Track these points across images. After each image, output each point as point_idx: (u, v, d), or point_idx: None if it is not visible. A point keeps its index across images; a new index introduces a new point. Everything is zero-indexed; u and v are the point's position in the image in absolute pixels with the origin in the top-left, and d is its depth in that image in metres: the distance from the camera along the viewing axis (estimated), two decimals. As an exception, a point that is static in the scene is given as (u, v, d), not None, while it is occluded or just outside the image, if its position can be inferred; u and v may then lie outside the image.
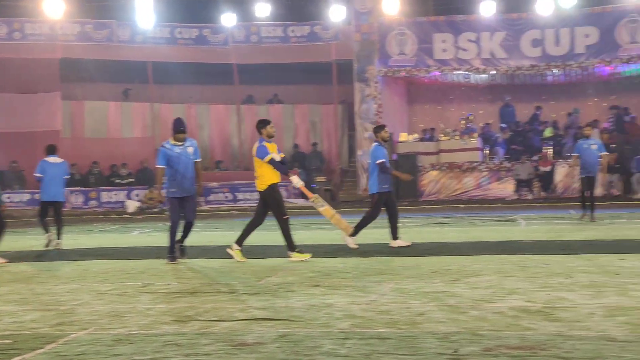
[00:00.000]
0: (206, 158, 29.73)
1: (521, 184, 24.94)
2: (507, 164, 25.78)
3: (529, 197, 24.92)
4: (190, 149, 11.26)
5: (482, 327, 6.06)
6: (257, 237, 15.12)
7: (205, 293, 8.24)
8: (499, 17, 27.29)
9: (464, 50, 27.30)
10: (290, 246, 11.25)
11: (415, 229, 15.86)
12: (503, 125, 27.50)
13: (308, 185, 21.08)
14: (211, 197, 26.82)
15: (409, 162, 25.80)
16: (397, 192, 25.40)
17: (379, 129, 13.02)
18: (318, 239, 14.44)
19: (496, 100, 28.94)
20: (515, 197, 24.95)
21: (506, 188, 25.47)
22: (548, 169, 24.96)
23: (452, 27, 27.55)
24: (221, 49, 28.33)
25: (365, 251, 11.93)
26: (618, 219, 16.96)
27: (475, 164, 25.96)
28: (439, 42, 27.55)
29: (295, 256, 11.13)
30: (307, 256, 11.14)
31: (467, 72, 27.57)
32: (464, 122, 27.18)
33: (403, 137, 27.18)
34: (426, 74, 27.73)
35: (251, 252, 12.22)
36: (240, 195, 26.59)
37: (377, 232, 14.51)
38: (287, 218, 11.27)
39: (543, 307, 6.86)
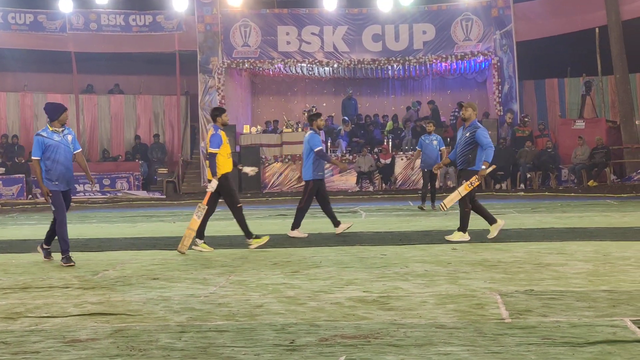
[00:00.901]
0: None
1: (362, 176, 25.46)
2: (349, 157, 26.25)
3: (370, 189, 25.49)
4: (70, 137, 10.06)
5: (319, 317, 6.14)
6: (95, 230, 14.76)
7: (37, 288, 7.94)
8: (341, 12, 27.72)
9: (308, 43, 27.57)
10: (247, 234, 11.15)
11: (257, 221, 15.88)
12: (345, 118, 28.00)
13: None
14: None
15: (252, 154, 25.83)
16: (239, 184, 25.50)
17: (314, 116, 12.97)
18: (159, 231, 14.22)
19: (339, 93, 29.41)
20: (357, 189, 25.44)
21: (348, 180, 25.92)
22: (388, 161, 25.60)
23: (295, 20, 27.77)
24: (58, 36, 27.29)
25: (207, 243, 11.81)
26: (452, 210, 17.58)
27: (317, 156, 26.24)
28: (282, 34, 27.71)
29: (255, 242, 11.06)
30: (265, 239, 11.14)
31: (310, 65, 27.86)
32: (307, 114, 27.45)
33: (246, 129, 27.18)
34: (270, 66, 27.82)
35: (88, 245, 11.91)
36: (78, 187, 25.75)
37: (219, 225, 14.44)
38: (241, 206, 11.15)
39: (379, 296, 7.03)
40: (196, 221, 10.93)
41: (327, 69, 28.14)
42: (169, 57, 27.95)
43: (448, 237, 11.24)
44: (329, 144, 26.68)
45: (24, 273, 9.13)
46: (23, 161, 26.17)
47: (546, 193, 22.83)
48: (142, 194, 25.84)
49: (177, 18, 27.40)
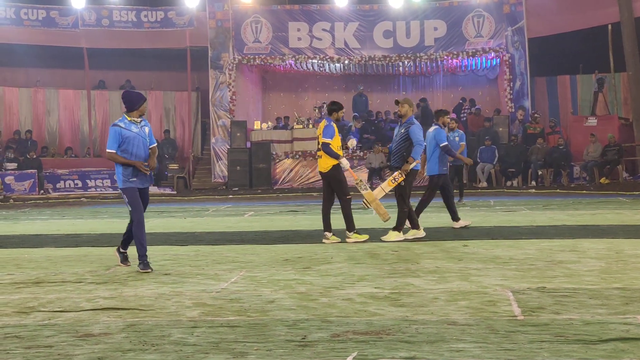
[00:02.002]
0: (55, 144, 28.79)
1: (373, 173, 25.42)
2: (359, 153, 26.22)
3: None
4: (147, 130, 9.10)
5: (331, 313, 6.14)
6: (107, 225, 14.80)
7: (50, 283, 7.97)
8: (352, 8, 27.69)
9: (319, 39, 27.55)
10: (349, 227, 11.14)
11: (268, 217, 15.91)
12: (356, 114, 27.96)
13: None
14: (60, 184, 25.93)
15: (262, 150, 25.85)
16: (250, 180, 25.54)
17: (441, 113, 12.96)
18: (170, 226, 14.24)
19: (349, 90, 29.36)
20: (368, 185, 25.36)
21: (359, 176, 25.90)
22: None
23: (306, 16, 27.75)
24: (70, 32, 27.33)
25: (217, 239, 11.86)
26: (463, 206, 17.57)
27: (328, 152, 26.19)
28: (294, 30, 27.69)
29: (354, 237, 11.06)
30: (364, 237, 11.09)
31: (321, 61, 27.83)
32: (318, 110, 27.43)
33: (257, 125, 27.17)
34: (281, 62, 27.79)
35: (100, 240, 11.94)
36: (90, 183, 25.86)
37: (230, 220, 14.46)
38: (350, 198, 11.16)
39: (390, 293, 7.03)
40: (369, 194, 11.24)
41: (338, 65, 28.10)
42: (180, 53, 27.97)
43: (383, 238, 11.20)
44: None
45: (36, 268, 9.16)
46: (35, 156, 26.26)
47: (558, 190, 22.75)
48: (153, 189, 25.86)
49: (189, 14, 27.42)
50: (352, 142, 12.56)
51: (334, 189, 11.26)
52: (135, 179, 8.86)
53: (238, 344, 5.22)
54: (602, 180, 23.62)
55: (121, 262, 9.23)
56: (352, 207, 11.24)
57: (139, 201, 8.88)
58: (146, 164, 8.86)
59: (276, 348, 5.11)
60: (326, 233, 11.19)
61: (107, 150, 8.91)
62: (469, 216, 14.35)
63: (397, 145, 11.29)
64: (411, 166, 11.09)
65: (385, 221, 11.43)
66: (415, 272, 8.21)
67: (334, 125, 11.29)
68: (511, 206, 17.13)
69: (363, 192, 11.41)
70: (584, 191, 22.13)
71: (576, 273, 7.87)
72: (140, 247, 8.80)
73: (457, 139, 17.62)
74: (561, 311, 6.05)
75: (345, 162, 11.21)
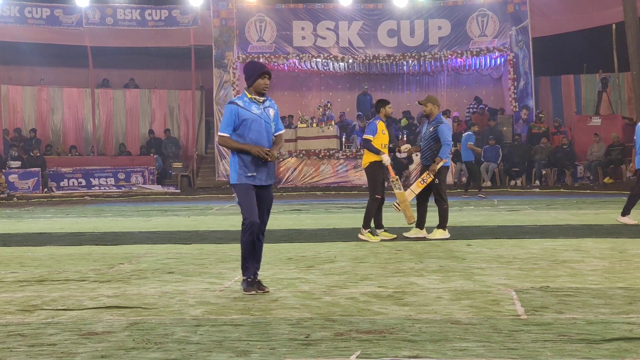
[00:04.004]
0: (59, 143, 28.83)
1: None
2: (361, 152, 26.18)
3: (385, 184, 25.40)
4: (272, 112, 7.38)
5: (334, 312, 6.14)
6: (111, 224, 14.82)
7: (53, 281, 7.97)
8: (357, 7, 27.71)
9: (323, 38, 27.56)
10: (366, 224, 11.15)
11: (271, 216, 15.87)
12: (360, 113, 27.96)
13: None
14: (63, 183, 25.97)
15: (266, 149, 25.80)
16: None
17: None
18: (173, 225, 14.26)
19: (354, 89, 29.35)
20: (371, 184, 25.35)
21: (362, 176, 25.84)
22: (404, 155, 25.53)
23: (311, 15, 27.77)
24: (74, 30, 27.37)
25: (221, 238, 11.87)
26: (467, 205, 17.58)
27: (332, 151, 26.26)
28: (298, 29, 27.72)
29: (366, 236, 11.10)
30: (376, 239, 11.07)
31: (325, 60, 27.83)
32: (322, 109, 27.45)
33: (261, 124, 27.14)
34: (285, 61, 27.81)
35: (103, 239, 11.95)
36: (94, 181, 25.90)
37: (234, 219, 14.46)
38: (379, 198, 11.22)
39: (394, 292, 7.03)
40: (401, 194, 11.29)
41: (342, 64, 28.09)
42: (185, 51, 28.00)
43: (428, 235, 11.23)
44: (343, 139, 26.66)
45: (40, 266, 9.17)
46: (39, 154, 26.29)
47: (561, 190, 22.74)
48: (157, 188, 25.92)
49: (193, 13, 27.45)
50: (406, 147, 12.49)
51: (368, 185, 11.28)
52: (254, 174, 7.05)
53: (241, 343, 5.22)
54: (606, 179, 23.61)
55: (249, 290, 7.04)
56: (382, 207, 11.26)
57: (254, 203, 7.04)
58: (267, 150, 7.06)
59: (279, 346, 5.11)
60: (377, 230, 11.26)
61: (219, 134, 7.17)
62: (473, 215, 14.36)
63: (427, 144, 11.36)
64: (439, 165, 11.11)
65: (409, 223, 11.48)
66: (419, 271, 8.20)
67: (379, 122, 11.21)
68: (515, 205, 17.12)
69: (396, 192, 11.45)
70: (588, 191, 22.12)
71: (579, 272, 7.87)
72: (245, 260, 7.05)
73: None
74: (564, 310, 6.04)
75: (386, 158, 11.15)
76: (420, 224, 11.35)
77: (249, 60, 7.61)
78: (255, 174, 7.04)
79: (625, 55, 24.99)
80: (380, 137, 11.19)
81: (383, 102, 11.50)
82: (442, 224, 11.21)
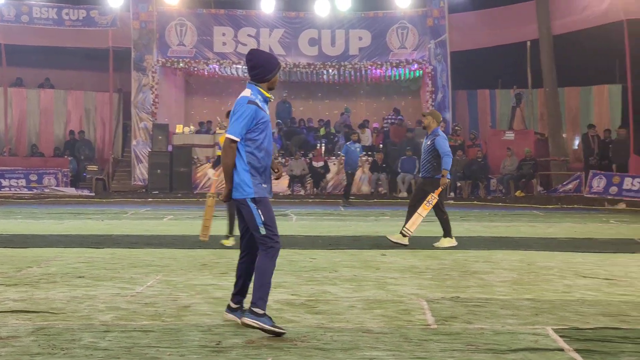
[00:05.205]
0: (-32, 141, 27.99)
1: (294, 180, 25.46)
2: (281, 160, 26.22)
3: (302, 192, 25.50)
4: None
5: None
6: (21, 226, 14.45)
7: (-43, 285, 7.73)
8: (278, 15, 27.70)
9: (244, 44, 27.43)
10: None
11: (187, 221, 15.76)
12: (279, 121, 27.96)
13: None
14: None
15: (183, 154, 25.61)
16: (170, 184, 25.27)
17: None
18: (86, 229, 13.98)
19: (273, 96, 29.28)
20: (289, 192, 25.42)
21: (280, 183, 25.87)
22: (321, 164, 25.65)
23: (232, 21, 27.65)
24: (-12, 27, 26.65)
25: (135, 242, 11.69)
26: (382, 216, 17.75)
27: (250, 158, 26.12)
28: (219, 35, 27.56)
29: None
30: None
31: (245, 67, 27.68)
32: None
33: (179, 128, 26.90)
34: (205, 66, 27.61)
35: (12, 241, 11.64)
36: (4, 182, 25.17)
37: (149, 224, 14.29)
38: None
39: (307, 300, 7.05)
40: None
41: (262, 71, 27.98)
42: (103, 53, 27.50)
43: (436, 244, 11.50)
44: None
45: (-56, 268, 8.88)
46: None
47: (475, 202, 23.16)
48: (71, 191, 25.37)
49: (112, 14, 26.95)
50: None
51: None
52: (266, 185, 6.02)
53: (151, 349, 5.16)
54: (518, 193, 24.14)
55: (275, 327, 5.70)
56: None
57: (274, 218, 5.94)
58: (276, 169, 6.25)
59: (189, 353, 5.07)
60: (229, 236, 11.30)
61: (231, 136, 5.92)
62: (389, 225, 14.50)
63: (425, 157, 11.62)
64: (445, 179, 11.42)
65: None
66: (333, 280, 8.24)
67: None
68: (430, 216, 17.32)
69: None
70: (500, 203, 22.59)
71: (489, 283, 8.02)
72: (266, 287, 5.80)
73: (357, 149, 21.57)
74: (473, 321, 6.16)
75: (210, 172, 11.37)
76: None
77: (259, 50, 6.70)
78: (266, 185, 6.01)
79: (539, 72, 25.66)
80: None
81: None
82: (447, 233, 11.51)
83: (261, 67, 6.15)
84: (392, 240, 11.45)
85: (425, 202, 11.37)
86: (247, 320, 5.63)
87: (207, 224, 11.03)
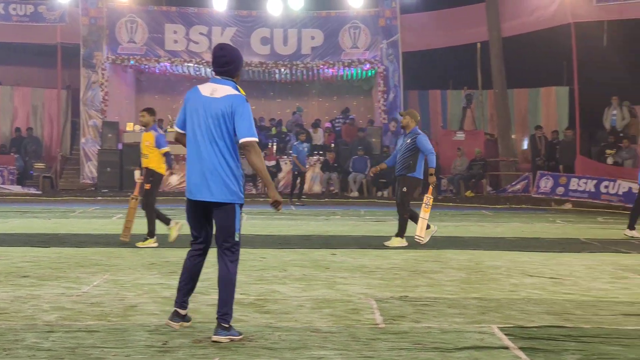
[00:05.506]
0: None
1: (246, 179, 25.36)
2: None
3: (254, 191, 25.42)
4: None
5: (194, 319, 6.07)
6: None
7: None
8: (231, 13, 27.57)
9: (195, 43, 27.29)
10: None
11: (136, 220, 15.56)
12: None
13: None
14: None
15: (134, 152, 25.23)
16: (120, 183, 25.01)
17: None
18: (32, 227, 13.76)
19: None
20: (240, 191, 25.29)
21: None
22: (272, 163, 25.60)
23: (183, 19, 27.45)
24: None
25: (82, 242, 11.54)
26: (333, 215, 17.78)
27: (201, 157, 25.96)
28: (170, 32, 27.34)
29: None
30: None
31: (197, 65, 27.55)
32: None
33: (129, 126, 26.61)
34: (156, 64, 27.38)
35: (-44, 241, 11.42)
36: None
37: (97, 223, 14.12)
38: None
39: (256, 299, 7.02)
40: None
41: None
42: (51, 49, 27.09)
43: (386, 243, 11.56)
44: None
45: None
46: None
47: (425, 202, 23.29)
48: (17, 188, 24.97)
49: (60, 9, 26.55)
50: (375, 169, 12.57)
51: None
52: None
53: (95, 350, 5.09)
54: (467, 193, 24.38)
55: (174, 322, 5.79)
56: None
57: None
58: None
59: (135, 354, 5.01)
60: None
61: (254, 139, 5.70)
62: (339, 224, 14.53)
63: (402, 155, 11.66)
64: (433, 178, 11.54)
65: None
66: (282, 279, 8.22)
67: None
68: (381, 216, 17.42)
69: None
70: (450, 203, 22.77)
71: (438, 283, 8.08)
72: (232, 299, 5.65)
73: (305, 149, 22.29)
74: (421, 319, 6.19)
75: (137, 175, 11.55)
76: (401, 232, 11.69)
77: (229, 44, 6.28)
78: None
79: (489, 73, 25.94)
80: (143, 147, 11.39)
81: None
82: (400, 233, 11.54)
83: (235, 63, 5.92)
84: (390, 245, 11.47)
85: (423, 204, 11.50)
86: (221, 338, 5.40)
87: (128, 225, 11.23)
